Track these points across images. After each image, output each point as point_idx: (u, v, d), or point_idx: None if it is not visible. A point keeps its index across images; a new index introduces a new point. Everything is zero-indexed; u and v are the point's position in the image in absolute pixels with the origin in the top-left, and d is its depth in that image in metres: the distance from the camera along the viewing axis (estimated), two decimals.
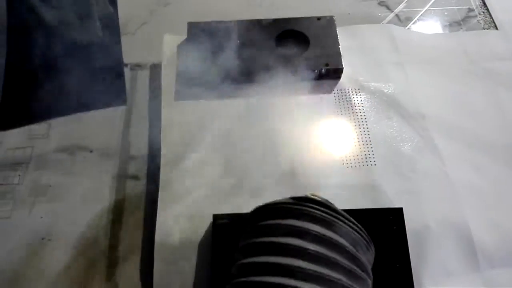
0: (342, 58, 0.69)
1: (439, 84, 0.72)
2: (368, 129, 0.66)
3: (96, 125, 0.69)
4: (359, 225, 0.43)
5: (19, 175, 0.64)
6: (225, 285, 0.42)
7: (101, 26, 0.76)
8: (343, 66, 0.69)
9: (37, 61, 0.71)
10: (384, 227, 0.57)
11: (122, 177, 0.64)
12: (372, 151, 0.64)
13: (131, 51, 0.76)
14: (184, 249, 0.57)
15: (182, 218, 0.59)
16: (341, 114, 0.68)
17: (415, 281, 0.54)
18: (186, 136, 0.66)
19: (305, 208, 0.42)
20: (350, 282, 0.39)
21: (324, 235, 0.40)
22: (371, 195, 0.61)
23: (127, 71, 0.74)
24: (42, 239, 0.59)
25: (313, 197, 0.44)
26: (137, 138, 0.68)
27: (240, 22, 0.73)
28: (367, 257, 0.43)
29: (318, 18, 0.73)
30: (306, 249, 0.39)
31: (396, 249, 0.56)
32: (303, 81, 0.70)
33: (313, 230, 0.40)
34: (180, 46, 0.73)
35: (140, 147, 0.67)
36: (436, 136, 0.66)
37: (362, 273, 0.41)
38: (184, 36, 0.73)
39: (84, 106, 0.70)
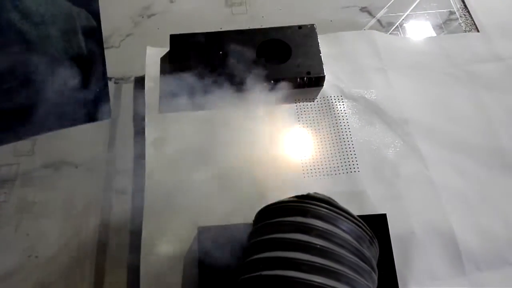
0: (324, 65, 0.70)
1: (422, 88, 0.73)
2: (351, 136, 0.67)
3: (81, 140, 0.69)
4: (362, 222, 0.45)
5: (5, 193, 0.64)
6: (237, 280, 0.44)
7: (84, 40, 0.76)
8: (325, 74, 0.70)
9: (20, 77, 0.71)
10: None
11: (108, 191, 0.64)
12: (356, 157, 0.65)
13: (115, 64, 0.76)
14: (171, 262, 0.57)
15: (168, 231, 0.59)
16: (324, 122, 0.68)
17: (401, 287, 0.55)
18: (170, 148, 0.66)
19: (309, 205, 0.44)
20: (355, 275, 0.41)
21: (329, 230, 0.42)
22: (355, 202, 0.61)
23: (111, 84, 0.74)
24: (29, 256, 0.59)
25: (316, 195, 0.46)
26: (123, 152, 0.68)
27: (222, 33, 0.73)
28: (371, 252, 0.46)
29: (300, 27, 0.73)
30: (312, 244, 0.41)
31: (381, 255, 0.56)
32: (286, 89, 0.70)
33: (318, 226, 0.42)
34: (162, 59, 0.74)
35: (125, 160, 0.67)
36: (419, 141, 0.67)
37: (366, 267, 0.43)
38: (167, 49, 0.74)
39: (69, 121, 0.70)
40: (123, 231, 0.61)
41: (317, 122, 0.68)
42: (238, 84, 0.69)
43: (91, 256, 0.59)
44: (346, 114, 0.69)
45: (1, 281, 0.58)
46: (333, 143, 0.66)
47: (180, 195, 0.62)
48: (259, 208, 0.50)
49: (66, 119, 0.70)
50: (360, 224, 0.45)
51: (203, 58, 0.71)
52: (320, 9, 0.84)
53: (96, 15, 0.80)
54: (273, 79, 0.69)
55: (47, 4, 0.75)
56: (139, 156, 0.66)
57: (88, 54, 0.75)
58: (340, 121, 0.68)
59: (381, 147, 0.66)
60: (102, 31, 0.79)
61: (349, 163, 0.64)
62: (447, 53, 0.77)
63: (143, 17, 0.83)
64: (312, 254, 0.41)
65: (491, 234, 0.60)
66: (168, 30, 0.76)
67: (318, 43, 0.72)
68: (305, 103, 0.70)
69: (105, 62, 0.76)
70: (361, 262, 0.43)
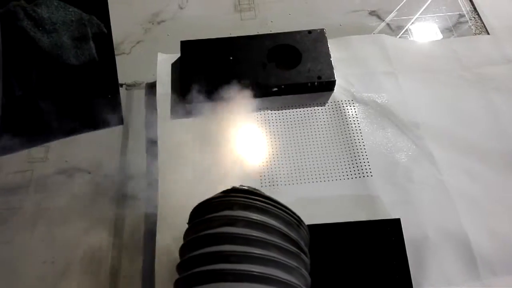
0: (334, 70, 0.70)
1: (433, 92, 0.73)
2: (363, 140, 0.67)
3: (94, 146, 0.69)
4: (287, 207, 0.47)
5: (20, 199, 0.65)
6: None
7: (95, 47, 0.77)
8: (336, 78, 0.70)
9: (33, 84, 0.72)
10: (382, 239, 0.57)
11: (121, 197, 0.65)
12: (368, 162, 0.65)
13: (126, 70, 0.77)
14: None
15: (182, 235, 0.59)
16: (335, 126, 0.68)
17: None
18: (182, 153, 0.66)
19: (235, 198, 0.46)
20: (283, 258, 0.44)
21: (254, 219, 0.44)
22: (368, 207, 0.61)
23: (122, 91, 0.75)
24: (44, 262, 0.60)
25: (241, 187, 0.48)
26: (135, 157, 0.68)
27: (232, 39, 0.74)
28: (300, 235, 0.48)
29: (309, 32, 0.74)
30: (239, 235, 0.43)
31: (395, 260, 0.56)
32: (297, 94, 0.71)
33: (244, 217, 0.44)
34: (173, 65, 0.74)
35: (138, 166, 0.67)
36: (431, 145, 0.67)
37: (294, 249, 0.45)
38: (178, 55, 0.74)
39: (81, 127, 0.70)
40: (137, 236, 0.62)
41: (328, 127, 0.68)
42: (249, 90, 0.69)
43: (105, 261, 0.60)
44: (358, 118, 0.69)
45: (18, 286, 0.58)
46: (345, 147, 0.66)
47: (193, 199, 0.62)
48: None
49: (79, 125, 0.70)
50: (286, 210, 0.47)
51: (214, 64, 0.71)
52: (329, 14, 0.84)
53: (106, 22, 0.81)
54: (283, 84, 0.69)
55: (58, 12, 0.76)
56: (152, 161, 0.66)
57: (99, 60, 0.76)
58: (351, 125, 0.68)
59: (393, 151, 0.66)
60: (113, 38, 0.80)
61: (361, 167, 0.64)
62: (457, 56, 0.77)
63: (153, 23, 0.84)
64: (240, 244, 0.43)
65: (505, 237, 0.59)
66: (177, 36, 0.77)
67: (328, 47, 0.72)
68: (316, 108, 0.70)
69: (116, 68, 0.76)
70: (288, 245, 0.45)
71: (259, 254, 0.42)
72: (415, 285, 0.55)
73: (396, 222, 0.58)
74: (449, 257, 0.58)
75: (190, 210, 0.60)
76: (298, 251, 0.46)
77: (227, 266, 0.41)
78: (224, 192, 0.47)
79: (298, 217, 0.48)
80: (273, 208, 0.45)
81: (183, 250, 0.46)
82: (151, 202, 0.63)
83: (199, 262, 0.43)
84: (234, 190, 0.47)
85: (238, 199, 0.45)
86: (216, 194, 0.47)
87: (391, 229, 0.57)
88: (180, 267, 0.45)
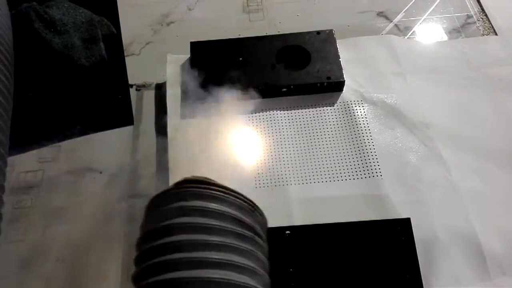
0: (343, 70, 0.70)
1: (441, 92, 0.73)
2: (372, 140, 0.67)
3: (105, 146, 0.70)
4: (240, 194, 0.48)
5: (32, 198, 0.65)
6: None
7: (105, 48, 0.77)
8: (345, 78, 0.70)
9: (45, 85, 0.73)
10: (393, 238, 0.57)
11: (132, 196, 0.65)
12: (377, 162, 0.65)
13: (136, 71, 0.78)
14: None
15: None
16: (345, 126, 0.69)
17: None
18: (192, 153, 0.66)
19: (188, 189, 0.46)
20: (237, 242, 0.44)
21: (208, 207, 0.45)
22: (378, 207, 0.61)
23: (132, 92, 0.75)
24: (56, 260, 0.60)
25: (193, 178, 0.48)
26: (145, 157, 0.69)
27: (242, 39, 0.74)
28: (254, 219, 0.48)
29: (318, 32, 0.74)
30: (193, 224, 0.44)
31: (406, 259, 0.56)
32: (306, 95, 0.71)
33: (198, 206, 0.45)
34: (183, 66, 0.75)
35: (148, 165, 0.68)
36: (440, 145, 0.67)
37: (249, 233, 0.46)
38: (187, 55, 0.75)
39: (92, 127, 0.71)
40: None
41: (338, 127, 0.69)
42: (258, 90, 0.70)
43: (117, 260, 0.60)
44: (367, 118, 0.69)
45: (29, 285, 0.58)
46: (354, 147, 0.67)
47: None
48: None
49: (90, 125, 0.71)
50: (239, 196, 0.47)
51: (223, 64, 0.72)
52: (336, 15, 0.85)
53: (116, 24, 0.81)
54: (293, 85, 0.70)
55: (69, 13, 0.76)
56: (162, 161, 0.67)
57: (109, 61, 0.77)
58: (360, 125, 0.68)
59: (403, 152, 0.66)
60: (122, 39, 0.80)
61: (371, 167, 0.65)
62: (465, 57, 0.77)
63: (162, 25, 0.84)
64: (194, 233, 0.43)
65: None
66: (186, 37, 0.77)
67: (337, 48, 0.72)
68: (325, 108, 0.70)
69: (126, 69, 0.77)
70: (243, 230, 0.45)
71: (212, 240, 0.43)
72: (425, 284, 0.55)
73: (406, 222, 0.58)
74: (459, 257, 0.58)
75: None
76: (253, 235, 0.46)
77: (182, 255, 0.42)
78: (176, 184, 0.48)
79: (252, 202, 0.48)
80: (226, 195, 0.46)
81: (138, 244, 0.47)
82: None
83: (154, 254, 0.43)
84: (186, 181, 0.47)
85: (191, 190, 0.46)
86: (170, 186, 0.48)
87: (401, 229, 0.58)
88: (136, 261, 0.45)
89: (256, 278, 0.44)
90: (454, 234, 0.59)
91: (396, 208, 0.61)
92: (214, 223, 0.44)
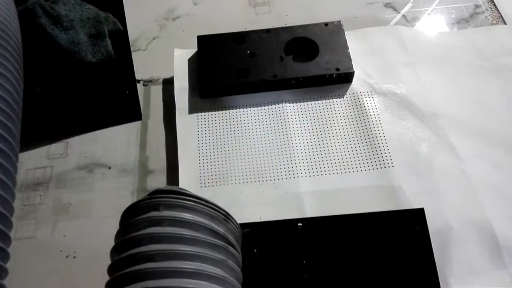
0: (352, 62, 0.70)
1: (451, 82, 0.72)
2: (383, 131, 0.67)
3: (113, 142, 0.69)
4: (213, 203, 0.48)
5: (40, 195, 0.65)
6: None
7: (112, 44, 0.77)
8: (354, 69, 0.69)
9: (52, 81, 0.72)
10: (407, 229, 0.57)
11: (141, 192, 0.65)
12: (389, 152, 0.65)
13: (143, 66, 0.77)
14: None
15: None
16: (355, 117, 0.68)
17: (441, 281, 0.54)
18: (202, 148, 0.66)
19: (160, 199, 0.46)
20: (208, 252, 0.44)
21: (179, 217, 0.45)
22: (390, 197, 0.61)
23: (139, 87, 0.75)
24: (67, 257, 0.60)
25: (166, 188, 0.48)
26: (154, 153, 0.68)
27: (249, 32, 0.74)
28: (228, 228, 0.48)
29: (326, 24, 0.73)
30: (164, 234, 0.43)
31: (420, 250, 0.56)
32: (315, 87, 0.71)
33: (169, 216, 0.45)
34: (190, 60, 0.74)
35: (158, 161, 0.67)
36: (451, 135, 0.66)
37: (222, 243, 0.46)
38: (194, 50, 0.74)
39: (100, 123, 0.71)
40: None
41: (348, 118, 0.68)
42: (267, 83, 0.69)
43: None
44: (377, 110, 0.69)
45: (39, 282, 0.58)
46: (365, 138, 0.66)
47: (214, 194, 0.62)
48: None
49: (98, 121, 0.71)
50: (211, 206, 0.47)
51: (231, 58, 0.71)
52: (343, 6, 0.84)
53: (122, 20, 0.81)
54: (301, 77, 0.69)
55: (75, 9, 0.76)
56: (171, 156, 0.67)
57: (116, 57, 0.76)
58: (371, 116, 0.68)
59: (414, 142, 0.66)
60: (129, 35, 0.80)
61: (382, 158, 0.64)
62: (475, 47, 0.76)
63: (168, 20, 0.84)
64: (165, 243, 0.43)
65: None
66: (193, 32, 0.77)
67: (345, 39, 0.72)
68: (334, 100, 0.70)
69: (132, 65, 0.77)
70: (215, 240, 0.45)
71: (184, 250, 0.43)
72: (440, 274, 0.55)
73: (420, 212, 0.57)
74: (474, 247, 0.57)
75: None
76: (226, 244, 0.46)
77: (153, 265, 0.42)
78: (149, 194, 0.48)
79: (226, 212, 0.48)
80: (198, 205, 0.46)
81: (111, 254, 0.47)
82: None
83: (125, 264, 0.43)
84: (158, 191, 0.47)
85: (163, 200, 0.46)
86: (143, 197, 0.48)
87: (415, 219, 0.57)
88: (109, 271, 0.45)
89: (227, 287, 0.44)
90: (468, 223, 0.59)
91: (409, 199, 0.60)
92: (186, 233, 0.44)
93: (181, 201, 0.46)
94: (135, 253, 0.43)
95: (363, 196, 0.61)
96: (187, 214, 0.45)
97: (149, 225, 0.45)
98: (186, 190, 0.48)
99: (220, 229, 0.47)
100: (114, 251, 0.46)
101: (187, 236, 0.44)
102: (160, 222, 0.44)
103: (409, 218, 0.57)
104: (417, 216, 0.57)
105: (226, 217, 0.48)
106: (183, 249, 0.43)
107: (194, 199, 0.46)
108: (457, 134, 0.66)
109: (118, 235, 0.48)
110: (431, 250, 0.56)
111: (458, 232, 0.58)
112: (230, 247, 0.47)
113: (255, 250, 0.56)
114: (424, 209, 0.58)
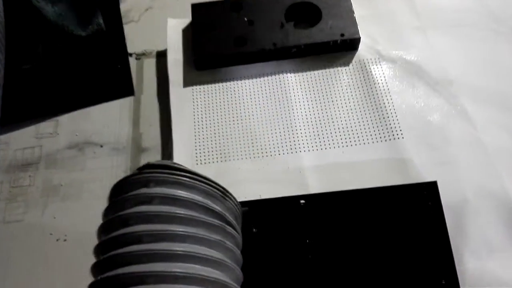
0: (358, 27, 0.65)
1: (464, 46, 0.67)
2: (392, 100, 0.62)
3: (105, 119, 0.66)
4: (209, 178, 0.43)
5: (30, 176, 0.62)
6: None
7: (102, 16, 0.73)
8: (360, 35, 0.65)
9: (40, 57, 0.69)
10: (418, 204, 0.53)
11: (135, 170, 0.61)
12: (398, 123, 0.60)
13: (135, 39, 0.73)
14: None
15: None
16: (361, 87, 0.64)
17: (456, 259, 0.50)
18: (197, 123, 0.62)
19: (151, 174, 0.42)
20: (203, 233, 0.40)
21: (171, 195, 0.41)
22: (401, 170, 0.56)
23: (132, 61, 0.71)
24: (57, 240, 0.57)
25: (157, 162, 0.44)
26: (148, 129, 0.64)
27: None
28: (226, 206, 0.44)
29: None
30: (154, 212, 0.40)
31: (433, 226, 0.52)
32: (318, 55, 0.66)
33: (160, 193, 0.40)
34: (185, 30, 0.70)
35: (151, 138, 0.64)
36: (465, 102, 0.62)
37: (218, 222, 0.42)
38: (188, 19, 0.70)
39: (91, 99, 0.67)
40: None
41: (354, 88, 0.64)
42: (266, 52, 0.65)
43: None
44: (385, 78, 0.64)
45: (29, 267, 0.55)
46: (372, 109, 0.62)
47: (211, 171, 0.58)
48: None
49: (88, 97, 0.67)
50: (207, 181, 0.43)
51: (228, 26, 0.67)
52: None
53: None
54: (303, 44, 0.64)
55: None
56: (166, 133, 0.63)
57: (107, 30, 0.72)
58: (379, 85, 0.63)
59: (426, 111, 0.61)
60: (120, 5, 0.76)
61: (391, 129, 0.60)
62: (489, 9, 0.71)
63: None
64: (155, 223, 0.39)
65: None
66: (188, 0, 0.72)
67: (350, 2, 0.67)
68: (339, 68, 0.65)
69: (124, 37, 0.72)
70: (210, 219, 0.41)
71: (175, 231, 0.39)
72: (455, 252, 0.51)
73: (433, 185, 0.53)
74: (491, 221, 0.53)
75: None
76: (223, 223, 0.42)
77: (140, 247, 0.38)
78: (138, 169, 0.44)
79: (223, 188, 0.44)
80: (193, 181, 0.42)
81: (98, 234, 0.43)
82: None
83: (110, 246, 0.39)
84: (148, 166, 0.43)
85: (154, 175, 0.42)
86: (133, 171, 0.44)
87: (427, 193, 0.53)
88: (95, 252, 0.42)
89: (224, 270, 0.40)
90: (485, 195, 0.54)
91: (421, 172, 0.56)
92: (178, 211, 0.40)
93: (174, 176, 0.42)
94: (121, 234, 0.39)
95: (371, 170, 0.57)
96: (180, 191, 0.41)
97: (138, 203, 0.41)
98: (179, 165, 0.44)
99: (217, 207, 0.43)
100: (100, 232, 0.43)
101: (180, 215, 0.40)
102: (149, 199, 0.41)
103: (420, 192, 0.53)
104: (429, 190, 0.53)
105: (224, 194, 0.44)
106: (175, 229, 0.39)
107: (188, 174, 0.42)
108: (472, 101, 0.62)
109: (105, 213, 0.44)
110: (445, 226, 0.52)
111: (474, 205, 0.54)
112: (228, 227, 0.43)
113: (255, 230, 0.52)
114: (437, 182, 0.54)
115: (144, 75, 0.70)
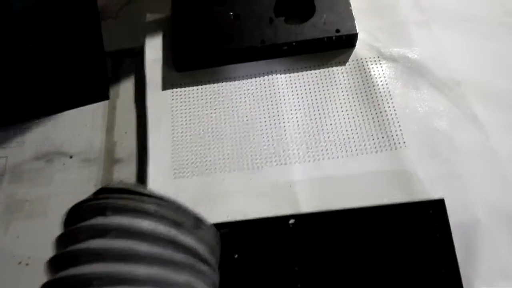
0: (355, 21, 0.59)
1: (473, 42, 0.61)
2: (393, 104, 0.56)
3: (76, 126, 0.60)
4: (178, 203, 0.37)
5: None
6: None
7: (78, 12, 0.67)
8: (358, 31, 0.59)
9: (6, 56, 0.63)
10: (423, 225, 0.47)
11: (107, 183, 0.55)
12: (400, 130, 0.54)
13: (113, 37, 0.67)
14: None
15: None
16: (359, 89, 0.58)
17: (465, 286, 0.45)
18: (177, 130, 0.57)
19: (108, 200, 0.36)
20: (173, 275, 0.34)
21: (131, 226, 0.34)
22: (403, 185, 0.50)
23: (109, 61, 0.65)
24: (19, 263, 0.51)
25: (114, 185, 0.38)
26: (123, 138, 0.59)
27: None
28: (199, 236, 0.37)
29: None
30: (107, 249, 0.33)
31: (440, 249, 0.46)
32: (311, 53, 0.60)
33: (117, 224, 0.34)
34: (164, 26, 0.64)
35: (126, 148, 0.58)
36: (475, 105, 0.56)
37: (189, 259, 0.35)
38: (169, 14, 0.64)
39: (61, 105, 0.61)
40: None
41: (351, 90, 0.58)
42: (254, 50, 0.59)
43: None
44: (386, 78, 0.58)
45: None
46: (371, 114, 0.56)
47: (188, 184, 0.52)
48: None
49: (59, 102, 0.61)
50: (175, 208, 0.36)
51: (211, 22, 0.61)
52: None
53: None
54: (295, 41, 0.58)
55: None
56: (142, 142, 0.57)
57: (82, 27, 0.66)
58: (378, 87, 0.57)
59: (431, 116, 0.55)
60: (97, 0, 0.70)
61: (393, 137, 0.54)
62: (500, 1, 0.65)
63: None
64: (108, 261, 0.33)
65: None
66: None
67: None
68: (334, 68, 0.59)
69: (101, 35, 0.66)
70: (178, 256, 0.35)
71: (131, 273, 0.33)
72: (464, 281, 0.45)
73: (440, 203, 0.47)
74: (506, 244, 0.47)
75: (184, 196, 0.51)
76: (194, 260, 0.36)
77: None
78: (95, 193, 0.38)
79: (196, 215, 0.38)
80: (157, 207, 0.35)
81: (46, 269, 0.37)
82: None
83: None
84: (105, 189, 0.37)
85: (110, 201, 0.35)
86: (88, 196, 0.38)
87: (433, 212, 0.47)
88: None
89: None
90: (498, 214, 0.48)
91: (426, 186, 0.50)
92: (138, 247, 0.33)
93: (134, 202, 0.36)
94: (69, 275, 0.33)
95: (369, 184, 0.51)
96: (141, 221, 0.35)
97: (90, 235, 0.34)
98: (142, 187, 0.38)
99: (188, 240, 0.36)
100: (48, 267, 0.37)
101: (140, 252, 0.34)
102: (104, 232, 0.34)
103: (426, 211, 0.47)
104: (436, 208, 0.47)
105: (197, 222, 0.38)
106: (133, 270, 0.33)
107: (152, 200, 0.36)
108: (482, 104, 0.56)
109: (56, 244, 0.38)
110: (454, 250, 0.46)
111: (486, 225, 0.48)
112: (201, 264, 0.37)
113: (236, 256, 0.46)
114: (445, 199, 0.48)
115: (121, 77, 0.64)
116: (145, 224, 0.35)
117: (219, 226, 0.47)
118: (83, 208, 0.36)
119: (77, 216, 0.36)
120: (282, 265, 0.46)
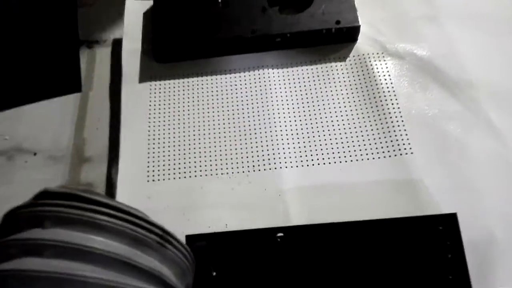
0: (358, 13, 0.54)
1: (488, 40, 0.56)
2: (398, 106, 0.51)
3: (42, 120, 0.54)
4: (141, 214, 0.31)
5: None
6: None
7: None
8: (360, 23, 0.54)
9: None
10: (432, 242, 0.42)
11: (75, 185, 0.50)
12: (406, 134, 0.49)
13: (90, 25, 0.62)
14: None
15: None
16: (360, 87, 0.53)
17: None
18: (153, 128, 0.51)
19: (48, 208, 0.30)
20: None
21: (73, 243, 0.28)
22: (409, 196, 0.45)
23: (83, 50, 0.59)
24: None
25: (57, 189, 0.31)
26: (94, 134, 0.53)
27: None
28: (165, 256, 0.31)
29: None
30: (41, 272, 0.27)
31: (451, 269, 0.41)
32: (307, 46, 0.56)
33: (55, 240, 0.28)
34: (146, 14, 0.59)
35: (97, 145, 0.52)
36: (489, 108, 0.51)
37: (146, 283, 0.29)
38: (151, 1, 0.59)
39: (27, 96, 0.56)
40: None
41: (351, 89, 0.53)
42: (242, 41, 0.54)
43: None
44: (391, 77, 0.53)
45: None
46: (373, 115, 0.51)
47: (163, 192, 0.47)
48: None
49: (24, 94, 0.56)
50: (136, 219, 0.30)
51: (198, 10, 0.55)
52: None
53: None
54: (289, 33, 0.53)
55: None
56: (115, 139, 0.52)
57: (56, 14, 0.61)
58: (382, 86, 0.52)
59: (440, 119, 0.50)
60: None
61: (397, 142, 0.49)
62: None
63: None
64: (44, 286, 0.27)
65: None
66: None
67: None
68: (334, 64, 0.55)
69: (76, 22, 0.61)
70: (138, 283, 0.29)
71: None
72: None
73: (451, 218, 0.42)
74: None
75: (158, 205, 0.46)
76: (156, 286, 0.30)
77: None
78: (34, 197, 0.32)
79: (163, 229, 0.31)
80: (110, 219, 0.29)
81: None
82: (112, 191, 0.48)
83: None
84: (48, 194, 0.31)
85: (51, 209, 0.29)
86: (27, 200, 0.32)
87: (444, 229, 0.42)
88: None
89: None
90: None
91: (435, 198, 0.45)
92: (82, 271, 0.27)
93: (82, 211, 0.29)
94: None
95: (370, 195, 0.46)
96: (88, 236, 0.29)
97: (24, 251, 0.28)
98: (95, 193, 0.32)
99: (148, 261, 0.30)
100: None
101: (83, 278, 0.27)
102: (40, 248, 0.28)
103: (435, 227, 0.42)
104: (447, 224, 0.42)
105: (163, 238, 0.31)
106: None
107: (105, 210, 0.30)
108: (497, 108, 0.51)
109: None
110: (467, 270, 0.41)
111: (502, 243, 0.43)
112: None
113: (214, 273, 0.40)
114: (457, 214, 0.43)
115: (96, 68, 0.58)
116: (95, 240, 0.28)
117: (195, 238, 0.41)
118: (18, 216, 0.30)
119: (10, 225, 0.30)
120: (267, 285, 0.41)
